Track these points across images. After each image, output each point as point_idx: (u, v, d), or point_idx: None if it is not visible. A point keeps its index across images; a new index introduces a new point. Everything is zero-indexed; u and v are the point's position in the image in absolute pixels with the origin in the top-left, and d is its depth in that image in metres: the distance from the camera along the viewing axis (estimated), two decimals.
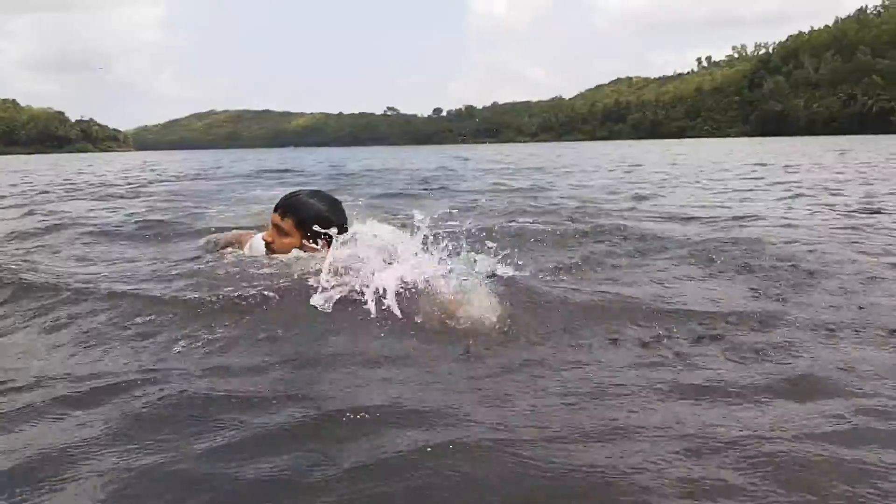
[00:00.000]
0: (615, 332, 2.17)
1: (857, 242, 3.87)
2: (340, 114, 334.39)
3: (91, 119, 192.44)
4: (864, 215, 5.37)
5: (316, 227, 2.63)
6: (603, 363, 1.91)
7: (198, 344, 2.03)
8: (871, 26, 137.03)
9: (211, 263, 2.98)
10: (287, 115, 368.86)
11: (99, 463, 1.36)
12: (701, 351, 2.01)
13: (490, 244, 2.49)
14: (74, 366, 1.91)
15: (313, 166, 19.12)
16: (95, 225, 4.96)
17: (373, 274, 2.27)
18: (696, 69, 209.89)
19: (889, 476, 1.31)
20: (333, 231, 2.46)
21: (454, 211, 4.62)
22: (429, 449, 1.38)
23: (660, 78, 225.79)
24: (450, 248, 2.41)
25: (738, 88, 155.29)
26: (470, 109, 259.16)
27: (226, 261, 2.96)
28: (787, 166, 13.90)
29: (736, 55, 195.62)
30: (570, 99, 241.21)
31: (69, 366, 1.91)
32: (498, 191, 8.77)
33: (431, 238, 2.45)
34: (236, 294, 2.37)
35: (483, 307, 2.15)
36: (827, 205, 6.23)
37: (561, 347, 2.04)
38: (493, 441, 1.42)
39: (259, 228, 3.63)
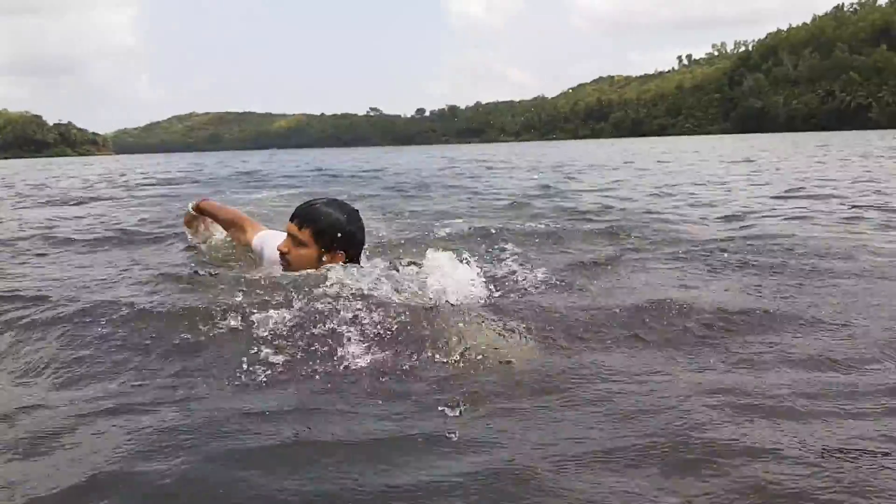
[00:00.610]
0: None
1: None
2: (322, 115, 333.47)
3: (69, 123, 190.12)
4: None
5: (337, 239, 2.66)
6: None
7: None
8: (848, 23, 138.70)
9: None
10: (269, 117, 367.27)
11: None
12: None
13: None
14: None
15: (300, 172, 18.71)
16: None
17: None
18: (676, 67, 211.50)
19: None
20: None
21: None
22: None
23: (641, 76, 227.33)
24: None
25: (719, 86, 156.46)
26: (453, 109, 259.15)
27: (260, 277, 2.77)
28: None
29: (716, 53, 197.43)
30: (552, 98, 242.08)
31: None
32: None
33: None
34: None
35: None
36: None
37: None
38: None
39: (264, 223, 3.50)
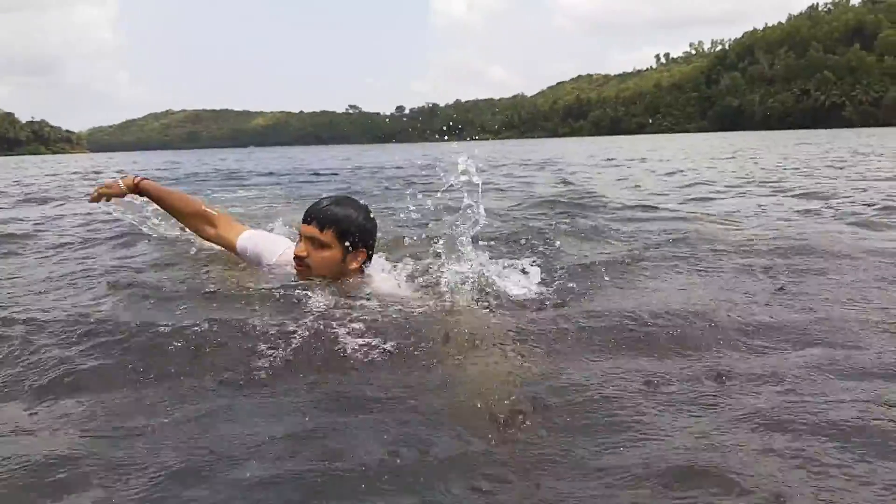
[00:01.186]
0: None
1: None
2: (301, 112, 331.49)
3: (42, 120, 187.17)
4: None
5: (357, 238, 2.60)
6: None
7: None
8: (822, 23, 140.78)
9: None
10: (246, 115, 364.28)
11: None
12: None
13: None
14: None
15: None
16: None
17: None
18: (654, 66, 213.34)
19: None
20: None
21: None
22: None
23: (620, 74, 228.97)
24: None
25: (696, 85, 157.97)
26: (433, 107, 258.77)
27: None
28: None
29: (693, 52, 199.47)
30: (531, 96, 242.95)
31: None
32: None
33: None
34: None
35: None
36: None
37: None
38: None
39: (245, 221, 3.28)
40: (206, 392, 1.74)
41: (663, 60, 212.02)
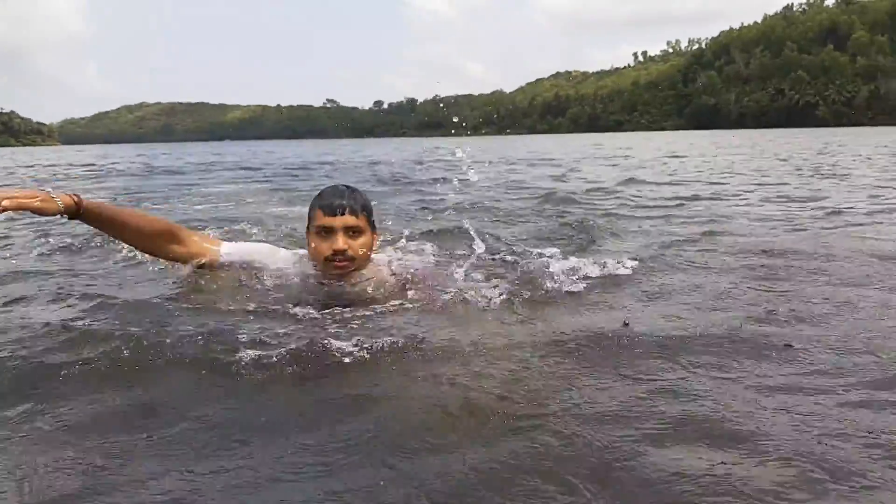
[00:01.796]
0: None
1: None
2: (279, 106, 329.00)
3: (12, 112, 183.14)
4: None
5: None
6: None
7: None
8: (797, 23, 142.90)
9: None
10: (222, 108, 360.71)
11: None
12: None
13: None
14: None
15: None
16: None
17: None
18: (632, 64, 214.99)
19: None
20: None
21: None
22: None
23: (598, 72, 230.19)
24: None
25: (673, 83, 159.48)
26: (411, 102, 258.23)
27: None
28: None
29: (671, 50, 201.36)
30: (510, 93, 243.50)
31: None
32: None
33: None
34: None
35: None
36: None
37: None
38: None
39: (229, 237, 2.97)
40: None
41: (641, 58, 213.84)
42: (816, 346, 1.92)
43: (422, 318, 2.16)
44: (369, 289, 2.43)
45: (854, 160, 13.02)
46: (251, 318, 2.16)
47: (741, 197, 6.54)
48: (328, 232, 2.37)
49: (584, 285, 2.57)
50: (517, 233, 4.22)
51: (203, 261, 2.51)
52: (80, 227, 3.29)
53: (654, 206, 5.79)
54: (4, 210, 1.93)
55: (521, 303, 2.34)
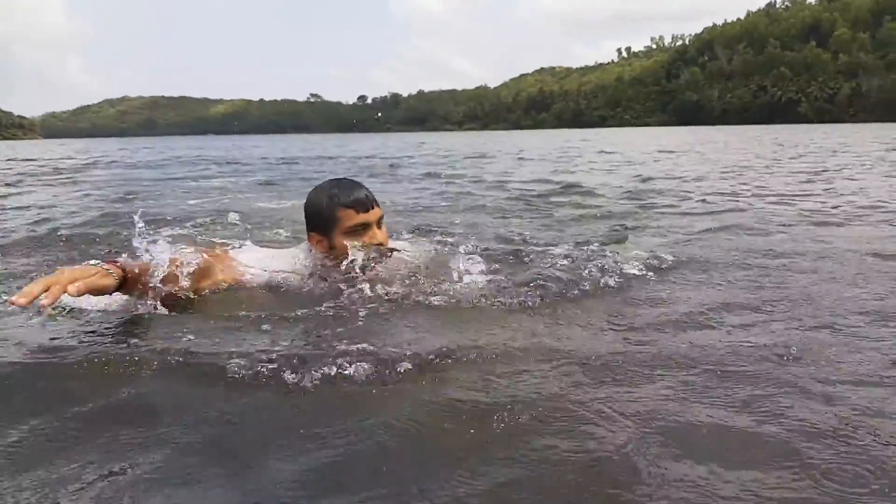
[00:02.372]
0: None
1: None
2: (262, 100, 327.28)
3: None
4: None
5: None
6: None
7: None
8: (780, 20, 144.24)
9: None
10: (205, 102, 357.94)
11: None
12: None
13: None
14: None
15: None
16: None
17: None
18: (616, 59, 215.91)
19: None
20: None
21: None
22: None
23: (582, 68, 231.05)
24: None
25: (657, 79, 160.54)
26: (395, 97, 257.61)
27: None
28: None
29: (654, 46, 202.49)
30: (494, 88, 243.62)
31: None
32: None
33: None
34: None
35: None
36: None
37: None
38: None
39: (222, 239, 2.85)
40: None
41: (625, 54, 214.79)
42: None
43: (429, 317, 2.07)
44: (391, 281, 2.32)
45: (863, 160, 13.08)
46: (264, 326, 2.04)
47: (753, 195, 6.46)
48: (364, 228, 2.32)
49: (595, 284, 2.48)
50: (523, 228, 4.15)
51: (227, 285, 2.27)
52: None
53: (666, 206, 5.72)
54: (80, 294, 1.64)
55: (531, 303, 2.25)
